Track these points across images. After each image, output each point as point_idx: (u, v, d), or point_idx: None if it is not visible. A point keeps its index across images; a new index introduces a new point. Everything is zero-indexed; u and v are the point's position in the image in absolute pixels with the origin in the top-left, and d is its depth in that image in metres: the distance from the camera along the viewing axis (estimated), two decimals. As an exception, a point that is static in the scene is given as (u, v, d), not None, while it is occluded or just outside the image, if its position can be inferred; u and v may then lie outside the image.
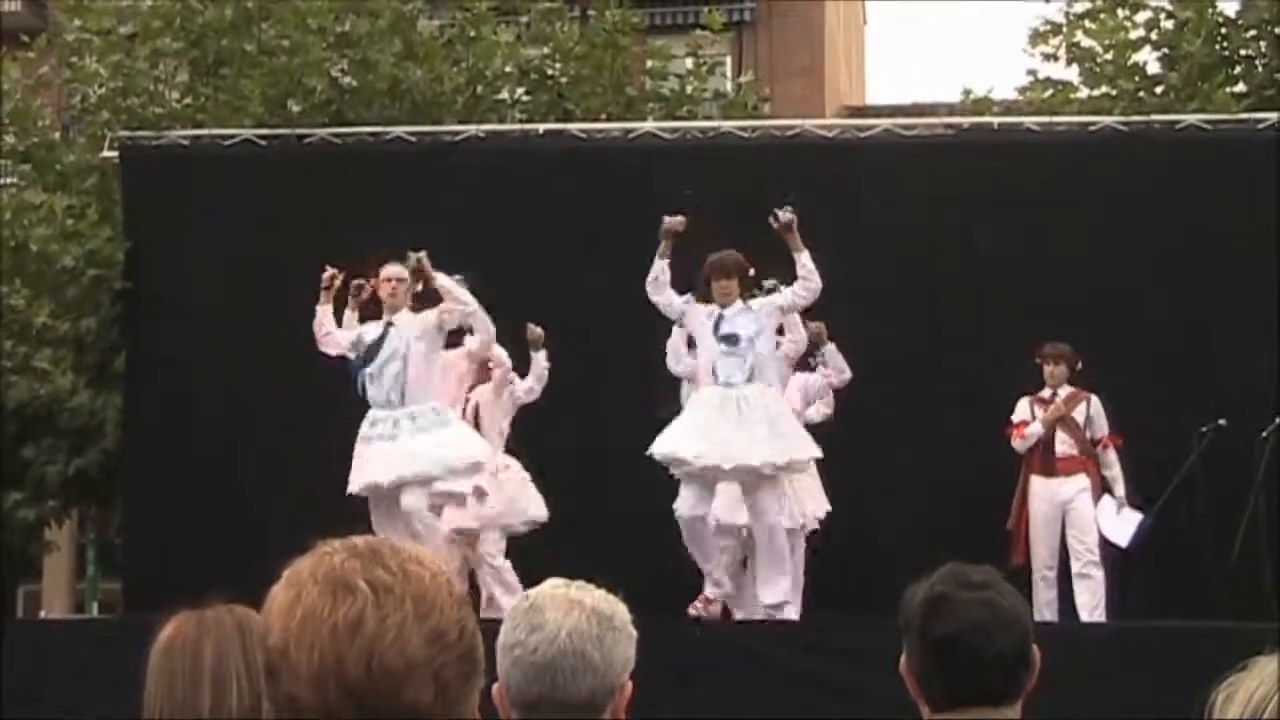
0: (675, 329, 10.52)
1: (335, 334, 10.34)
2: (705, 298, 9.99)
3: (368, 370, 10.11)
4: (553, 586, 2.66)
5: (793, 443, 9.85)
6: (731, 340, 9.77)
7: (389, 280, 10.15)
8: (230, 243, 13.07)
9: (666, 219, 10.11)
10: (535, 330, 10.84)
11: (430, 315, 10.12)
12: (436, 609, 1.78)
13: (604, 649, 2.57)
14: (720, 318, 9.86)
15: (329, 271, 10.36)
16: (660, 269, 10.01)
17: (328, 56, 16.25)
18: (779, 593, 9.84)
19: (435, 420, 10.06)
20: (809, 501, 10.69)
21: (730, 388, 9.75)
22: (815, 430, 10.62)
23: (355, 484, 10.01)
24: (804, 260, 9.88)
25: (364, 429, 10.12)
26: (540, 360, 10.86)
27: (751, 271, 9.99)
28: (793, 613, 10.07)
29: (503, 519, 10.64)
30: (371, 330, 10.23)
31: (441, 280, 9.99)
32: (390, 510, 9.89)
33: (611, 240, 12.86)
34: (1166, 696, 7.52)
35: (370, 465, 9.96)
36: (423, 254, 10.01)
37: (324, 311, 10.35)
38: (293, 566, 1.83)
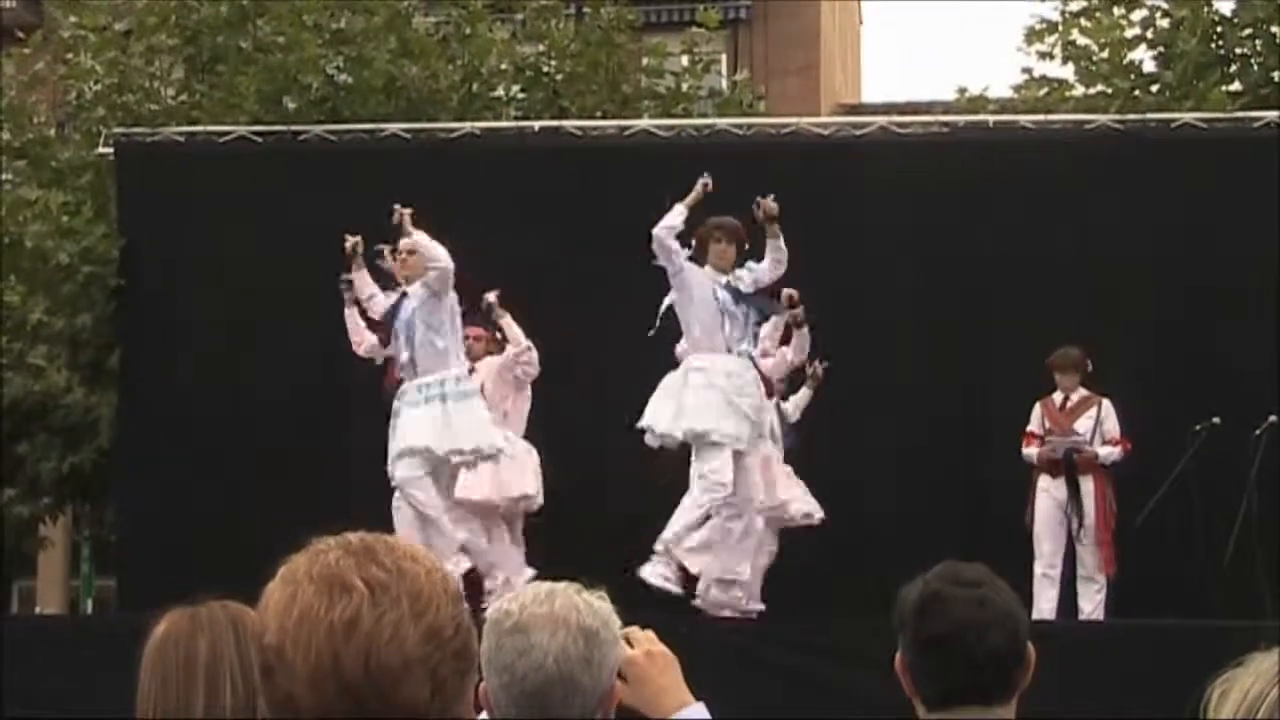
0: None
1: (379, 296, 10.28)
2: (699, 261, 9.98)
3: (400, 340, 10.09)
4: (535, 600, 2.54)
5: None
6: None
7: (400, 252, 10.17)
8: (225, 240, 13.06)
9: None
10: (487, 299, 10.77)
11: (418, 285, 10.12)
12: (433, 606, 1.78)
13: (593, 669, 2.49)
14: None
15: (351, 240, 10.38)
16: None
17: (323, 53, 16.23)
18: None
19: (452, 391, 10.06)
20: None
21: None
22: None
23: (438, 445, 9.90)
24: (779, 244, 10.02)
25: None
26: (512, 329, 10.87)
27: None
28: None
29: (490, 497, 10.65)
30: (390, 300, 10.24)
31: (418, 237, 9.96)
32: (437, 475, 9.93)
33: (607, 237, 12.86)
34: (1161, 694, 7.53)
35: (415, 431, 9.90)
36: (406, 210, 9.97)
37: (363, 276, 10.34)
38: (288, 564, 1.83)
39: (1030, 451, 11.06)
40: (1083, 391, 11.09)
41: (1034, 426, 11.13)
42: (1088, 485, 10.94)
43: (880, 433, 12.34)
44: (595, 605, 2.55)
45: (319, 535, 1.87)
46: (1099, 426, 11.00)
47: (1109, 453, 10.95)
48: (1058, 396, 11.12)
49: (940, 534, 11.18)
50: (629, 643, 2.64)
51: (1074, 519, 10.87)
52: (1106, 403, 11.04)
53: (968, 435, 11.93)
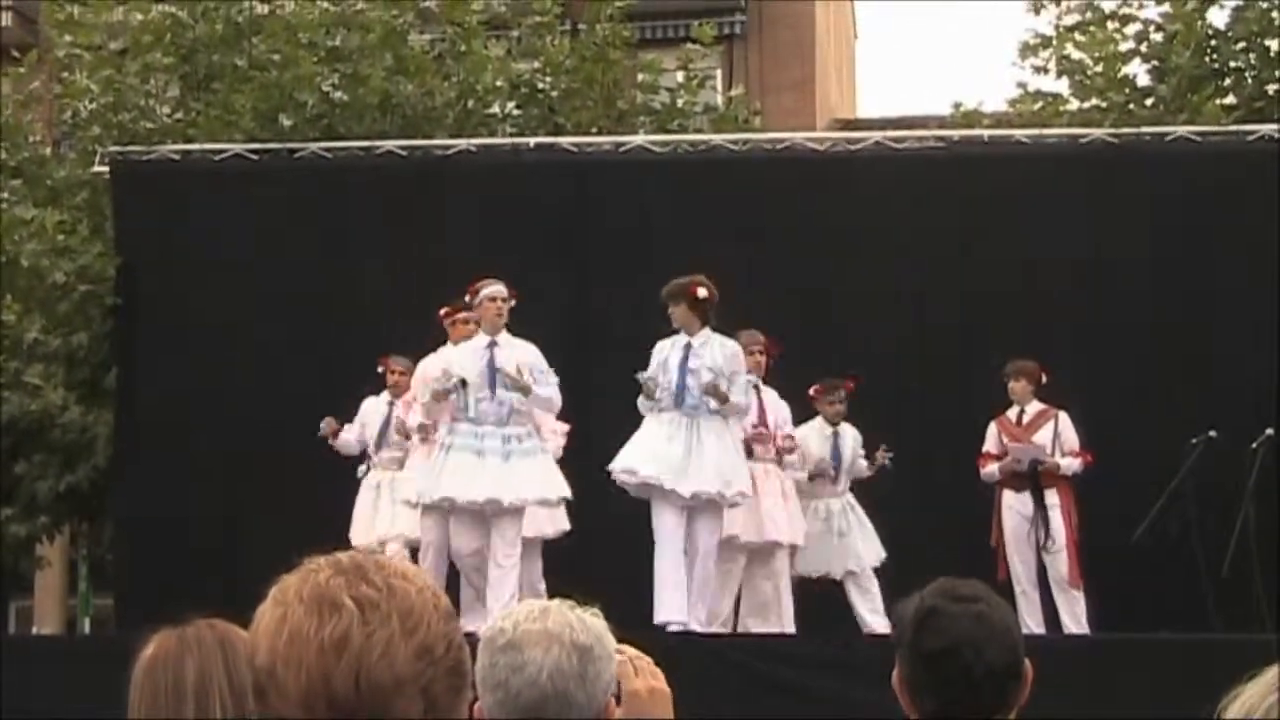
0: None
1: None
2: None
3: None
4: (529, 617, 2.52)
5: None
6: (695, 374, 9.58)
7: (495, 299, 9.96)
8: (221, 257, 13.06)
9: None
10: None
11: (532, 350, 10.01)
12: (423, 624, 1.77)
13: (587, 685, 2.47)
14: (688, 346, 9.66)
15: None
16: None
17: (318, 71, 16.25)
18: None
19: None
20: None
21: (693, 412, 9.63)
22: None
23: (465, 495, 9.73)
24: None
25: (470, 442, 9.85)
26: None
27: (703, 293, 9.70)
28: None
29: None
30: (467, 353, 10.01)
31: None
32: (478, 522, 9.76)
33: (602, 253, 12.87)
34: (1158, 709, 7.52)
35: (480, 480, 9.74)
36: None
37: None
38: (279, 584, 1.82)
39: (990, 470, 10.97)
40: (1038, 404, 11.01)
41: (990, 446, 11.05)
42: (1053, 498, 10.82)
43: (873, 447, 12.31)
44: (589, 621, 2.54)
45: (316, 553, 1.87)
46: (1058, 439, 10.88)
47: (1070, 464, 10.82)
48: (1012, 412, 11.04)
49: (933, 549, 11.15)
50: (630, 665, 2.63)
51: (1040, 531, 10.78)
52: (1064, 415, 10.92)
53: (963, 449, 11.89)
